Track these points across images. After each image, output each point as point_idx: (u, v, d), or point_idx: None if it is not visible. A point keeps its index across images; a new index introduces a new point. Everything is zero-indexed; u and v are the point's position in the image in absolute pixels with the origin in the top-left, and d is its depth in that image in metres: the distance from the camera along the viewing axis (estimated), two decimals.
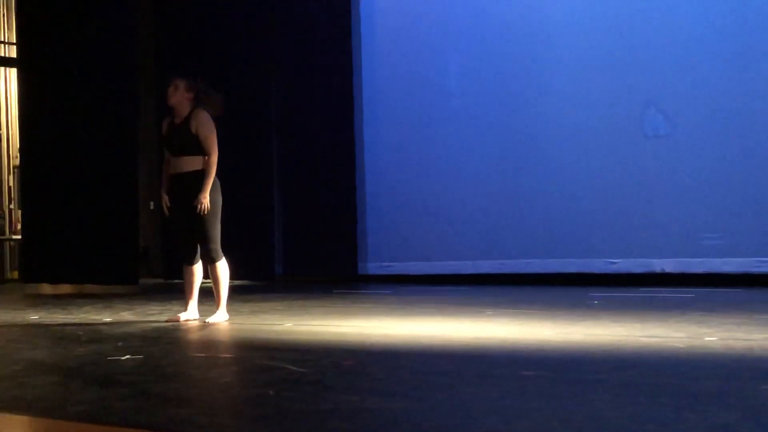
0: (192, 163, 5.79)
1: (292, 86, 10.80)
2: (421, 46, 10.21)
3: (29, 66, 11.30)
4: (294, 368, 3.62)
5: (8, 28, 12.60)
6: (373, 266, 10.41)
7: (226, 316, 5.80)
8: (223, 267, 5.77)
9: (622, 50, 8.91)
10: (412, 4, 10.36)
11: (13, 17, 11.81)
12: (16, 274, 11.98)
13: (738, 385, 3.10)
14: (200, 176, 5.75)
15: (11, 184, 12.61)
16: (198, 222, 5.72)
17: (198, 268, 5.90)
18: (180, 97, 5.89)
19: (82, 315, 6.60)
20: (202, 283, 5.96)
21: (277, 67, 10.89)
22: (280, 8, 10.87)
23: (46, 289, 10.62)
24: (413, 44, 10.26)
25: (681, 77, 8.64)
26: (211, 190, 5.76)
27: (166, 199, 5.92)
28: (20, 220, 11.74)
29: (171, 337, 5.01)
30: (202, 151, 5.80)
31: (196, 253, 5.85)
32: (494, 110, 9.63)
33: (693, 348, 4.06)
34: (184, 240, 5.87)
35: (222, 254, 5.78)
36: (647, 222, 8.72)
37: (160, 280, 11.29)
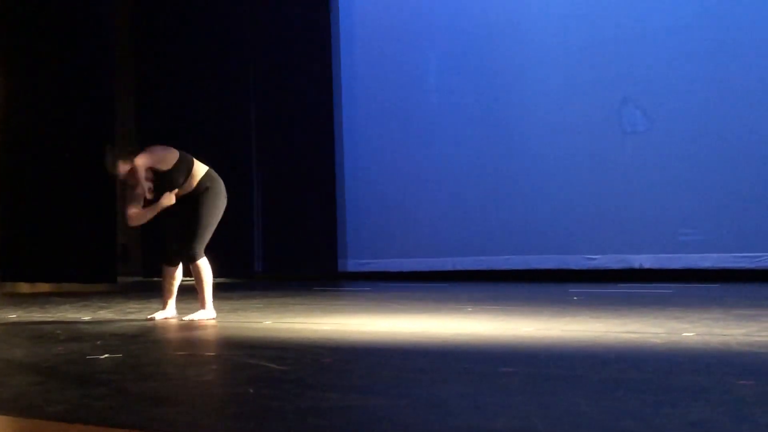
0: (187, 188, 5.71)
1: (271, 84, 10.79)
2: (400, 44, 10.22)
3: (4, 64, 11.22)
4: (274, 366, 3.61)
5: None
6: (352, 263, 10.41)
7: (213, 314, 5.75)
8: (204, 265, 5.73)
9: (599, 46, 8.96)
10: (391, 1, 10.36)
11: None
12: None
13: (715, 381, 3.13)
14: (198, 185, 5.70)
15: None
16: (195, 221, 5.66)
17: (179, 267, 5.86)
18: (130, 172, 5.68)
19: (60, 314, 6.56)
20: (182, 281, 5.93)
21: (256, 65, 10.88)
22: (259, 7, 10.85)
23: (24, 288, 10.56)
24: (392, 42, 10.27)
25: (659, 73, 8.69)
26: (215, 194, 5.70)
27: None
28: None
29: (150, 336, 4.99)
30: (182, 181, 5.70)
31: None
32: (473, 108, 9.66)
33: (671, 343, 4.08)
34: (176, 239, 5.79)
35: (202, 254, 5.72)
36: (625, 218, 8.77)
37: (139, 278, 11.24)
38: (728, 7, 8.45)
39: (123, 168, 5.65)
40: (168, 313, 5.85)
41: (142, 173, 5.58)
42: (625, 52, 8.84)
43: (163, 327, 5.45)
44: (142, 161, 5.60)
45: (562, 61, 9.17)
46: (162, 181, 5.67)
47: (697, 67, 8.51)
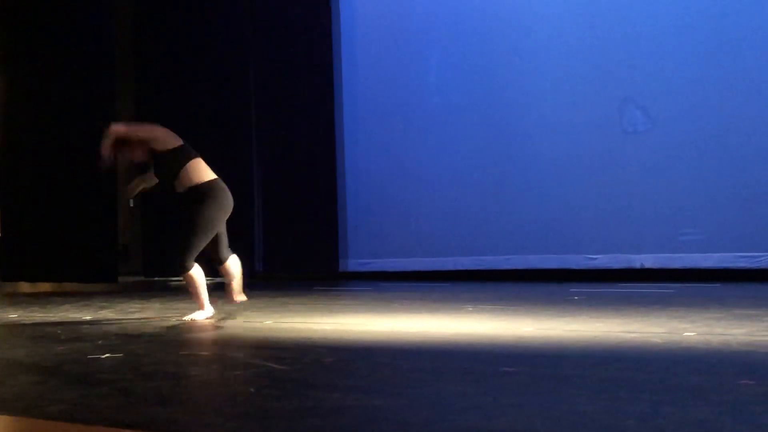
0: (183, 183, 5.66)
1: (271, 83, 10.80)
2: (401, 45, 10.21)
3: (6, 66, 11.23)
4: (275, 366, 3.61)
5: None
6: (353, 263, 10.41)
7: (211, 311, 5.74)
8: (196, 272, 5.59)
9: (601, 46, 8.95)
10: (392, 1, 10.36)
11: None
12: None
13: (716, 380, 3.12)
14: (193, 189, 5.62)
15: None
16: (186, 230, 5.56)
17: (232, 262, 5.81)
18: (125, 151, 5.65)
19: (61, 313, 6.56)
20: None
21: (256, 65, 10.88)
22: (261, 7, 10.85)
23: (25, 287, 10.57)
24: (393, 42, 10.26)
25: (660, 73, 8.69)
26: (211, 204, 5.55)
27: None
28: None
29: (151, 336, 4.99)
30: (175, 169, 5.63)
31: (217, 253, 5.74)
32: (474, 108, 9.65)
33: (672, 343, 4.08)
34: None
35: (192, 264, 5.55)
36: (627, 218, 8.77)
37: (139, 278, 11.24)
38: (729, 6, 8.45)
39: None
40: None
41: (110, 138, 5.49)
42: (626, 51, 8.84)
43: (163, 327, 5.45)
44: (117, 127, 5.57)
45: (563, 62, 9.16)
46: (157, 162, 5.65)
47: (698, 67, 8.51)
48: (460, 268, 9.61)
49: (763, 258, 8.17)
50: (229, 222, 10.01)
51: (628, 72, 8.82)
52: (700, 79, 8.49)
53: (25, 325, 5.81)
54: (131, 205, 11.22)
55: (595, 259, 8.95)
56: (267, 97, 10.83)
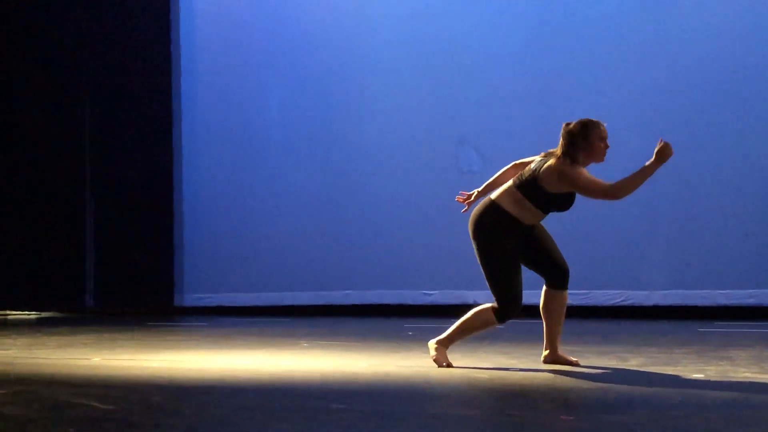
0: None
1: (108, 115, 10.53)
2: (244, 82, 10.18)
3: None
4: (99, 405, 3.49)
5: None
6: (189, 298, 10.22)
7: None
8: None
9: (438, 87, 9.19)
10: (234, 35, 10.32)
11: None
12: None
13: (537, 415, 3.22)
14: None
15: None
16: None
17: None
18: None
19: None
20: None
21: (93, 93, 10.58)
22: (99, 33, 10.59)
23: None
24: (235, 76, 10.22)
25: (493, 114, 8.99)
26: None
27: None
28: None
29: None
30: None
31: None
32: (314, 145, 9.72)
33: (498, 379, 4.20)
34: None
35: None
36: (461, 255, 8.95)
37: None
38: (561, 47, 8.80)
39: None
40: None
41: None
42: (462, 93, 9.09)
43: None
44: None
45: (403, 102, 9.33)
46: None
47: (530, 111, 8.83)
48: (299, 303, 9.60)
49: (586, 295, 8.53)
50: (58, 252, 9.61)
51: (464, 113, 9.07)
52: (526, 121, 8.79)
53: None
54: None
55: (431, 294, 9.12)
56: (103, 127, 10.53)
